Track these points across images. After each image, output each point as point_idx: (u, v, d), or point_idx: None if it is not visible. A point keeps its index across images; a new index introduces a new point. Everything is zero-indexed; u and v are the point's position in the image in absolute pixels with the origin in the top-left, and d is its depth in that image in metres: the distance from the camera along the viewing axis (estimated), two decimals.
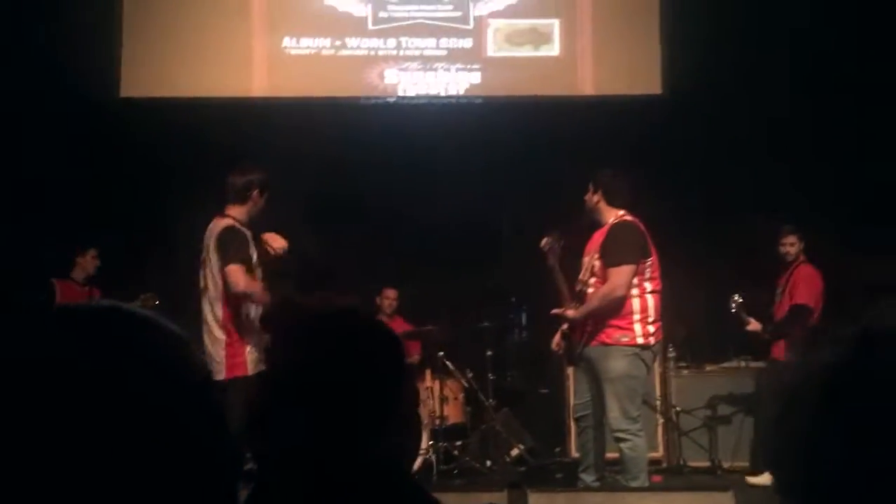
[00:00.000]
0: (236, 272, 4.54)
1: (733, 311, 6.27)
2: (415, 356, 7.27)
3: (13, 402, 0.66)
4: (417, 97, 7.55)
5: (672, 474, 6.39)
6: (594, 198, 4.98)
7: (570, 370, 6.05)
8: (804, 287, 6.15)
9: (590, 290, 4.93)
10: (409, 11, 7.60)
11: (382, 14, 7.59)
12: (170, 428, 0.69)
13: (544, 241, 5.06)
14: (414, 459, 5.67)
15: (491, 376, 6.69)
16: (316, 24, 7.57)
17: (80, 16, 6.96)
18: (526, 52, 7.60)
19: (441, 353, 6.66)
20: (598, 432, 4.93)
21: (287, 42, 7.55)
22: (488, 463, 6.51)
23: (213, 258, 4.63)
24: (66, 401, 0.67)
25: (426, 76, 7.56)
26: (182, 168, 6.91)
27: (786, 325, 6.13)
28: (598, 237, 4.96)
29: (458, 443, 6.54)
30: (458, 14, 7.61)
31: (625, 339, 4.77)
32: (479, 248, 7.31)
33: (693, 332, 6.93)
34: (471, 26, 7.60)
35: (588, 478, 4.93)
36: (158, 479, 0.68)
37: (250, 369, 4.49)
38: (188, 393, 0.73)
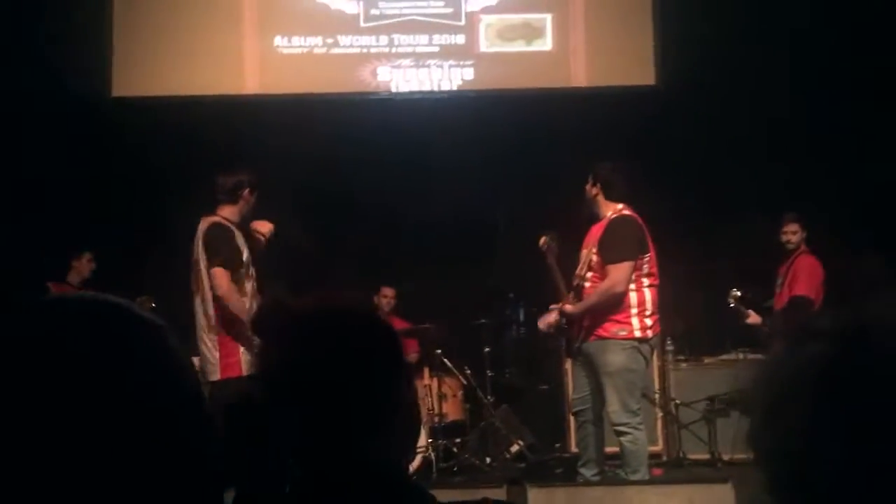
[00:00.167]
0: (220, 275, 4.54)
1: (732, 306, 6.26)
2: (413, 354, 7.26)
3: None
4: (410, 93, 7.54)
5: (672, 467, 6.38)
6: (593, 190, 4.97)
7: (568, 366, 6.05)
8: (805, 278, 6.07)
9: (587, 285, 4.92)
10: (400, 8, 7.59)
11: (374, 11, 7.58)
12: (154, 425, 0.68)
13: (542, 240, 5.06)
14: (413, 457, 5.65)
15: (489, 373, 6.69)
16: (307, 23, 7.55)
17: (71, 16, 6.94)
18: (518, 47, 7.59)
19: (439, 351, 6.66)
20: (597, 427, 4.93)
21: (279, 41, 7.53)
22: (488, 460, 6.50)
23: (202, 258, 4.63)
24: (48, 395, 0.66)
25: (419, 73, 7.55)
26: (176, 168, 6.88)
27: (785, 317, 6.11)
28: (596, 231, 4.95)
29: (458, 440, 6.53)
30: (450, 10, 7.59)
31: (623, 333, 4.77)
32: (475, 244, 7.30)
33: (691, 325, 6.93)
34: (463, 22, 7.58)
35: (588, 472, 4.92)
36: (143, 477, 0.67)
37: (244, 370, 4.47)
38: (171, 388, 0.71)
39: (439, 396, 6.48)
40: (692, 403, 6.59)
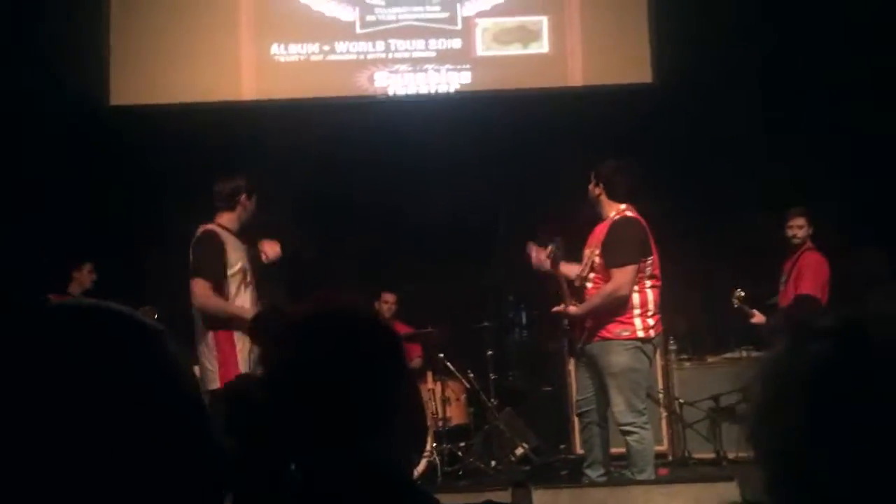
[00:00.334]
0: (197, 285, 4.53)
1: (736, 306, 6.22)
2: (416, 359, 7.26)
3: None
4: (407, 96, 7.55)
5: (677, 467, 6.37)
6: (595, 190, 4.95)
7: (571, 367, 6.04)
8: (810, 275, 5.95)
9: (589, 286, 4.92)
10: (396, 14, 7.60)
11: (370, 17, 7.58)
12: (153, 430, 0.68)
13: (549, 249, 5.04)
14: (417, 460, 5.65)
15: (492, 376, 6.68)
16: (304, 30, 7.56)
17: (68, 25, 6.95)
18: (515, 50, 7.60)
19: (442, 355, 6.65)
20: (602, 428, 4.92)
21: (275, 49, 7.54)
22: (493, 463, 6.49)
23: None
24: (48, 400, 0.66)
25: (416, 78, 7.56)
26: (176, 175, 6.88)
27: (790, 315, 6.06)
28: (599, 231, 4.94)
29: (462, 444, 6.52)
30: (446, 15, 7.60)
31: (625, 334, 4.77)
32: (475, 247, 7.30)
33: (693, 324, 6.92)
34: (459, 27, 7.59)
35: (593, 473, 4.92)
36: (142, 481, 0.67)
37: None
38: (171, 393, 0.71)
39: (443, 400, 6.47)
40: (696, 402, 6.58)
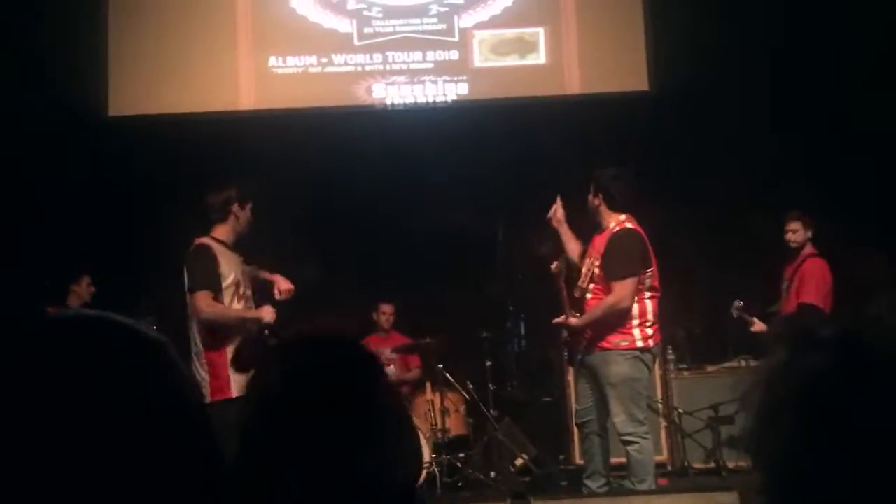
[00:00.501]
0: (199, 299, 4.46)
1: (735, 316, 6.21)
2: (415, 370, 7.25)
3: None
4: (404, 105, 7.56)
5: (677, 477, 6.36)
6: (595, 201, 4.95)
7: (570, 377, 6.03)
8: (813, 284, 5.89)
9: (589, 297, 4.92)
10: (394, 26, 7.62)
11: (368, 30, 7.61)
12: (155, 439, 0.68)
13: (555, 265, 5.04)
14: (419, 473, 5.64)
15: (492, 387, 6.66)
16: (302, 43, 7.58)
17: (66, 37, 6.97)
18: (512, 61, 7.62)
19: (441, 366, 6.64)
20: (602, 438, 4.92)
21: (273, 62, 7.56)
22: (492, 474, 6.47)
23: (186, 283, 4.58)
24: (49, 411, 0.66)
25: (414, 89, 7.57)
26: (175, 187, 6.87)
27: (791, 324, 6.02)
28: (598, 242, 4.93)
29: (462, 455, 6.50)
30: (443, 27, 7.63)
31: (624, 344, 4.77)
32: (473, 257, 7.29)
33: (692, 333, 6.91)
34: (456, 38, 7.61)
35: (593, 484, 4.91)
36: (144, 491, 0.67)
37: (234, 392, 4.39)
38: (172, 403, 0.72)
39: (442, 411, 6.45)
40: (695, 412, 6.57)
